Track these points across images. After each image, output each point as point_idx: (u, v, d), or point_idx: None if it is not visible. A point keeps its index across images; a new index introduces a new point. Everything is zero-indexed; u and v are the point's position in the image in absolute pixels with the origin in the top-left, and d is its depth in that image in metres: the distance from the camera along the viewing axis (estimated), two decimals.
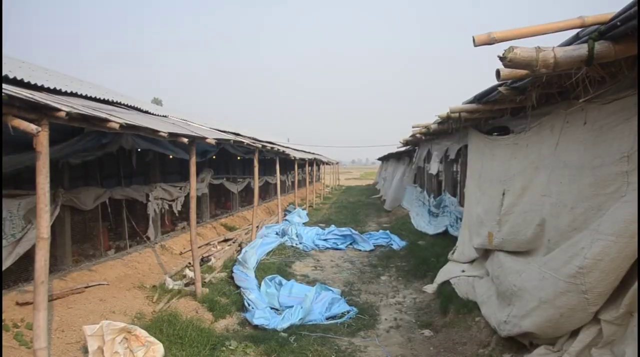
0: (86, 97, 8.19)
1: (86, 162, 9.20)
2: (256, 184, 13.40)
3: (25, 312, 6.75)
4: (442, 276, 9.02)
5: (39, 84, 6.95)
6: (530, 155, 6.16)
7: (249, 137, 16.90)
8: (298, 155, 20.98)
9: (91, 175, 10.35)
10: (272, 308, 8.18)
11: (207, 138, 8.62)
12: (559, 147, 5.37)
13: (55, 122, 4.70)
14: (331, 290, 8.54)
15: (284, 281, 9.02)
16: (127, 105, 9.64)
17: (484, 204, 7.77)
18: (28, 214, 7.54)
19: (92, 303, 7.54)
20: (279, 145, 19.28)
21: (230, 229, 16.29)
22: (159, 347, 5.90)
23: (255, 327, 7.41)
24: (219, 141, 9.21)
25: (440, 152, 12.65)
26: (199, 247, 12.86)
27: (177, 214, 13.60)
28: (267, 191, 24.88)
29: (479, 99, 6.52)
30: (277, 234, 14.85)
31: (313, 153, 32.53)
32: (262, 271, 10.37)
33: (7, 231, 7.15)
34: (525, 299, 5.40)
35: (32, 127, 4.13)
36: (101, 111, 6.49)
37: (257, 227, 16.09)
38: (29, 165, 7.66)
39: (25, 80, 6.60)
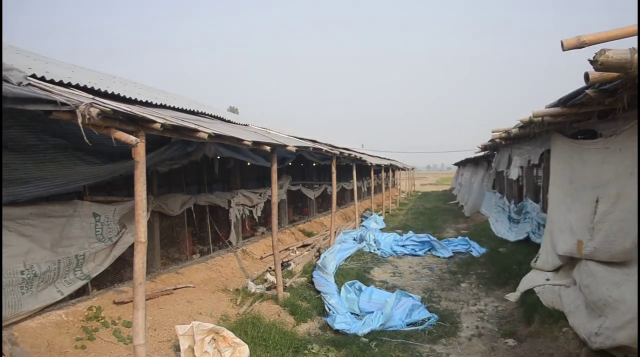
0: (174, 109, 8.62)
1: (172, 170, 9.64)
2: (334, 190, 13.54)
3: (122, 311, 7.21)
4: (525, 284, 8.72)
5: (133, 98, 7.40)
6: (624, 161, 5.84)
7: (326, 144, 17.08)
8: (374, 161, 20.97)
9: (176, 182, 10.83)
10: (352, 313, 8.24)
11: (287, 145, 8.83)
12: None
13: (149, 133, 5.00)
14: (411, 296, 8.49)
15: (363, 287, 9.05)
16: (210, 115, 10.04)
17: (575, 211, 7.45)
18: (122, 219, 8.04)
19: (180, 304, 7.92)
20: (355, 151, 19.36)
21: (308, 234, 16.52)
22: (244, 349, 6.10)
23: (336, 331, 7.50)
24: (299, 148, 9.40)
25: (521, 157, 12.25)
26: (280, 252, 13.17)
27: (257, 220, 13.97)
28: (342, 197, 25.01)
29: (563, 102, 6.29)
30: (354, 239, 14.93)
31: (388, 159, 32.38)
32: (341, 276, 10.47)
33: (105, 234, 7.65)
34: (621, 311, 5.13)
35: (131, 139, 4.42)
36: (189, 121, 6.82)
37: (335, 232, 16.23)
38: (123, 174, 8.18)
39: (122, 95, 7.05)
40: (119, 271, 8.54)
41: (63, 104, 3.80)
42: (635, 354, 4.93)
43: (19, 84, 3.97)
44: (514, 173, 13.00)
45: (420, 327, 7.57)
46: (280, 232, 15.44)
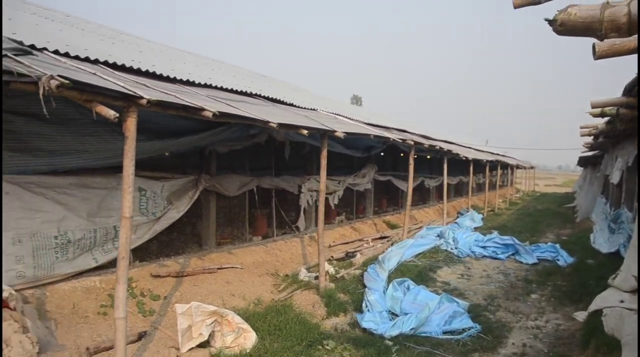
0: (221, 89, 8.65)
1: (234, 151, 9.69)
2: (410, 183, 12.87)
3: (156, 284, 7.46)
4: (597, 303, 7.49)
5: (172, 76, 7.63)
6: None
7: (420, 135, 16.34)
8: (472, 155, 19.66)
9: (238, 164, 10.87)
10: (392, 313, 7.71)
11: (336, 131, 8.41)
12: None
13: (143, 109, 4.95)
14: (456, 302, 7.68)
15: (412, 286, 8.41)
16: (266, 97, 9.91)
17: None
18: (170, 196, 8.26)
19: (217, 284, 7.95)
20: (443, 141, 18.35)
21: (393, 226, 16.03)
22: (251, 335, 5.93)
23: (364, 330, 7.05)
24: (347, 134, 8.81)
25: (622, 157, 10.65)
26: (352, 242, 12.91)
27: (332, 207, 13.81)
28: (442, 192, 23.92)
29: (629, 90, 5.27)
30: (437, 236, 14.14)
31: (503, 155, 30.43)
32: (401, 272, 9.92)
33: (149, 209, 7.92)
34: None
35: (110, 113, 4.32)
36: (222, 101, 6.80)
37: (421, 227, 15.58)
38: (174, 152, 8.42)
39: (151, 71, 7.32)
40: (168, 244, 8.80)
41: (21, 75, 3.85)
42: None
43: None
44: (615, 176, 11.35)
45: (456, 337, 6.84)
46: (361, 221, 15.21)
